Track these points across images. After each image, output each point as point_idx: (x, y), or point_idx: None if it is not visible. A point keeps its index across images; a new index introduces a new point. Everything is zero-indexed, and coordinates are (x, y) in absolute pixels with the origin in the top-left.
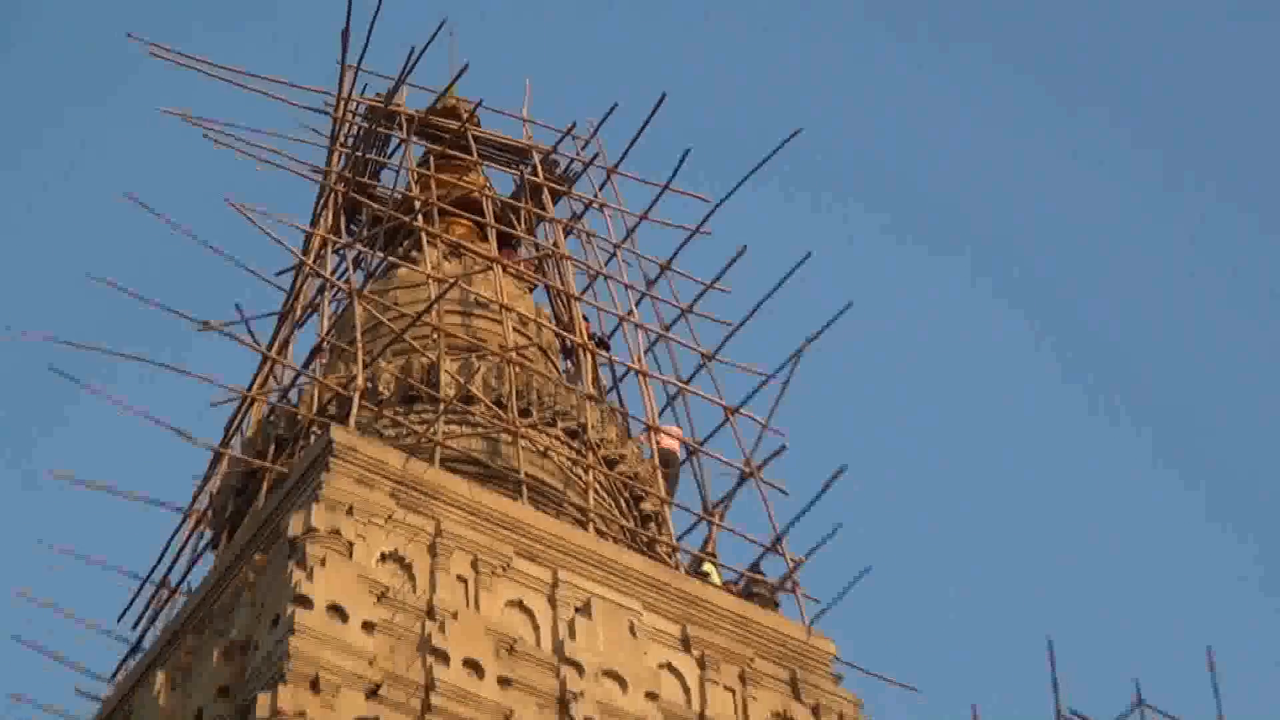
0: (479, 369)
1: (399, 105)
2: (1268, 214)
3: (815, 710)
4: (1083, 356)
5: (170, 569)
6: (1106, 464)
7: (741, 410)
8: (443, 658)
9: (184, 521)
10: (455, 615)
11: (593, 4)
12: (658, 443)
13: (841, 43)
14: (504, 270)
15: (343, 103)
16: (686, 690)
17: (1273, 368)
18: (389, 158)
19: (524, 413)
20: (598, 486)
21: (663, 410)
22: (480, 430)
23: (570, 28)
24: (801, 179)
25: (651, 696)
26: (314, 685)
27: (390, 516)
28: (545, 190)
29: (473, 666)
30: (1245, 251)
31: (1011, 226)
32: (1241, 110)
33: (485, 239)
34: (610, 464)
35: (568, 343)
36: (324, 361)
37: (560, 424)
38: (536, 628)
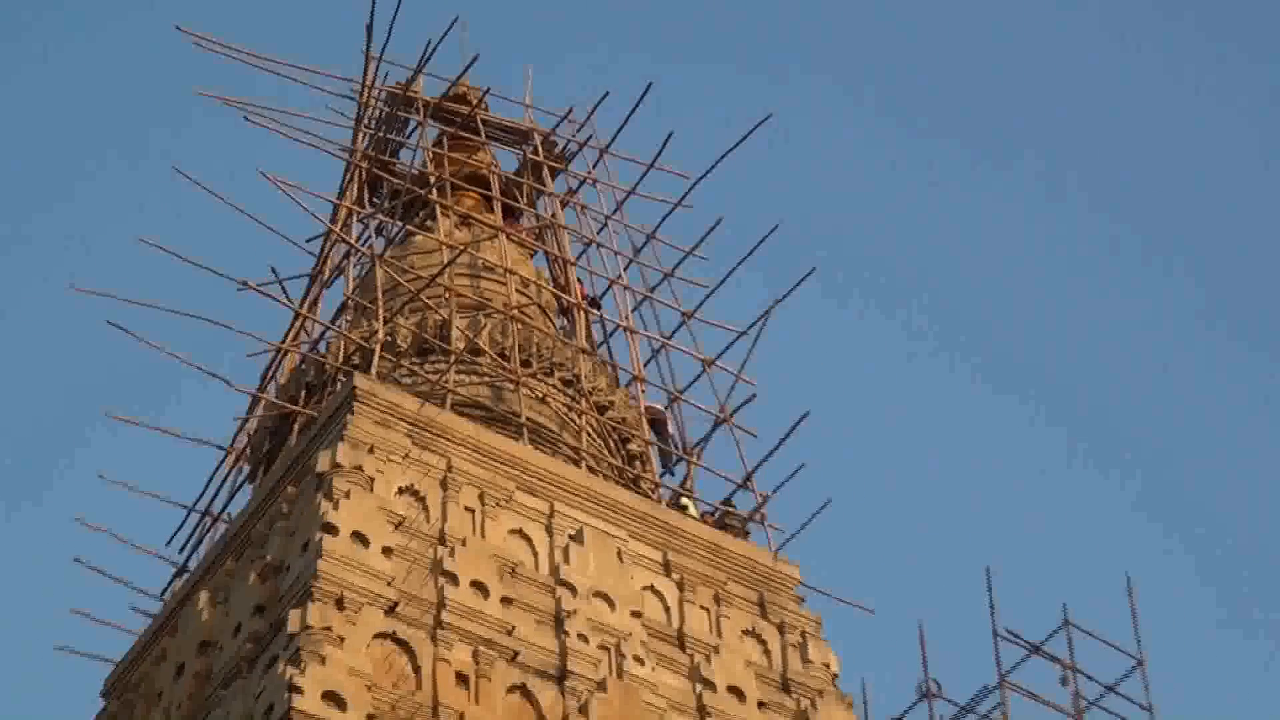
0: (485, 325)
1: (416, 92)
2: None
3: (780, 628)
4: (1025, 326)
5: (213, 500)
6: (1041, 419)
7: (717, 363)
8: (452, 579)
9: (225, 458)
10: (464, 542)
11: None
12: (644, 404)
13: (817, 36)
14: (508, 238)
15: (366, 89)
16: (667, 609)
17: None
18: (407, 138)
19: (525, 364)
20: (590, 429)
21: (647, 362)
22: (486, 379)
23: (569, 22)
24: (776, 158)
25: (636, 615)
26: (339, 603)
27: (406, 454)
28: (545, 168)
29: (479, 587)
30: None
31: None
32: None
33: (491, 210)
34: (601, 410)
35: (564, 302)
36: (349, 318)
37: (557, 374)
38: (535, 553)
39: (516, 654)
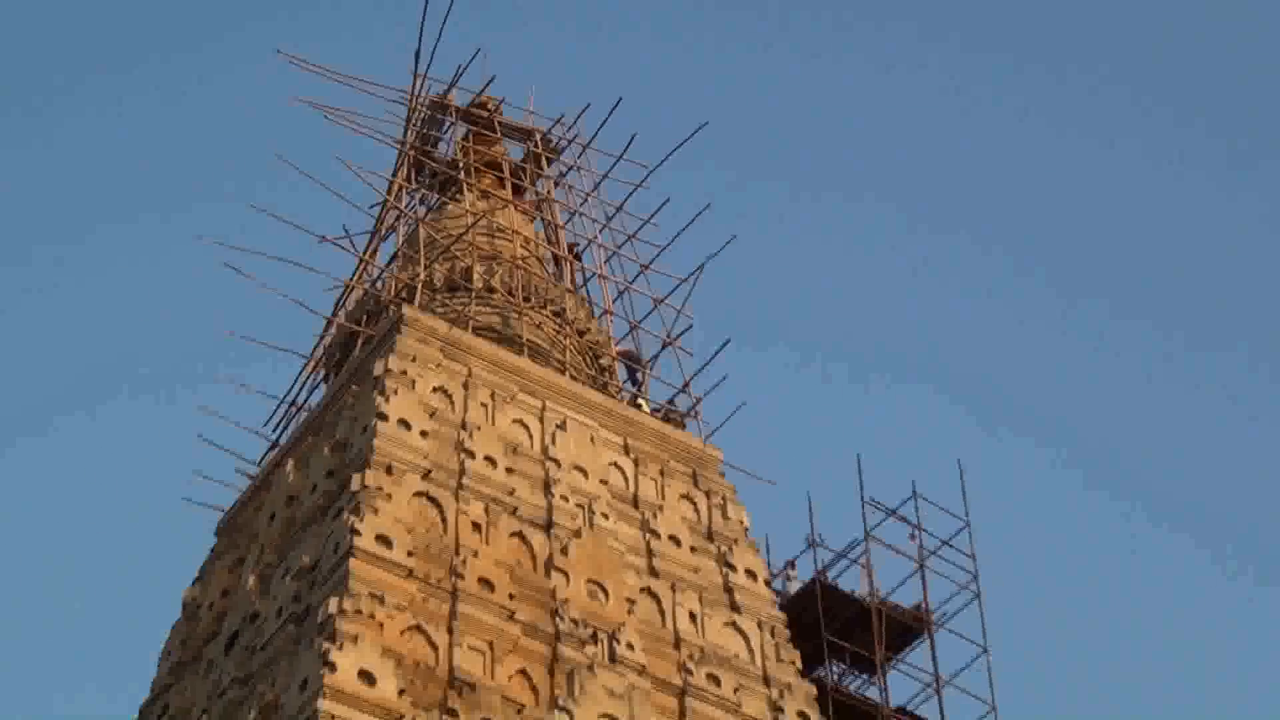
0: (498, 271)
1: (450, 101)
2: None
3: (708, 494)
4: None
5: (298, 394)
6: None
7: (665, 301)
8: (470, 454)
9: (307, 364)
10: (479, 427)
11: (579, 32)
12: (618, 345)
13: (748, 66)
14: (515, 208)
15: (414, 98)
16: (626, 479)
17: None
18: (443, 134)
19: (526, 299)
20: (572, 348)
21: (615, 300)
22: (498, 310)
23: (563, 49)
24: (711, 154)
25: (603, 482)
26: (388, 470)
27: (439, 364)
28: (542, 157)
29: (489, 460)
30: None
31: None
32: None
33: (504, 187)
34: (580, 334)
35: (555, 255)
36: (399, 264)
37: (549, 308)
38: (531, 436)
39: (516, 509)
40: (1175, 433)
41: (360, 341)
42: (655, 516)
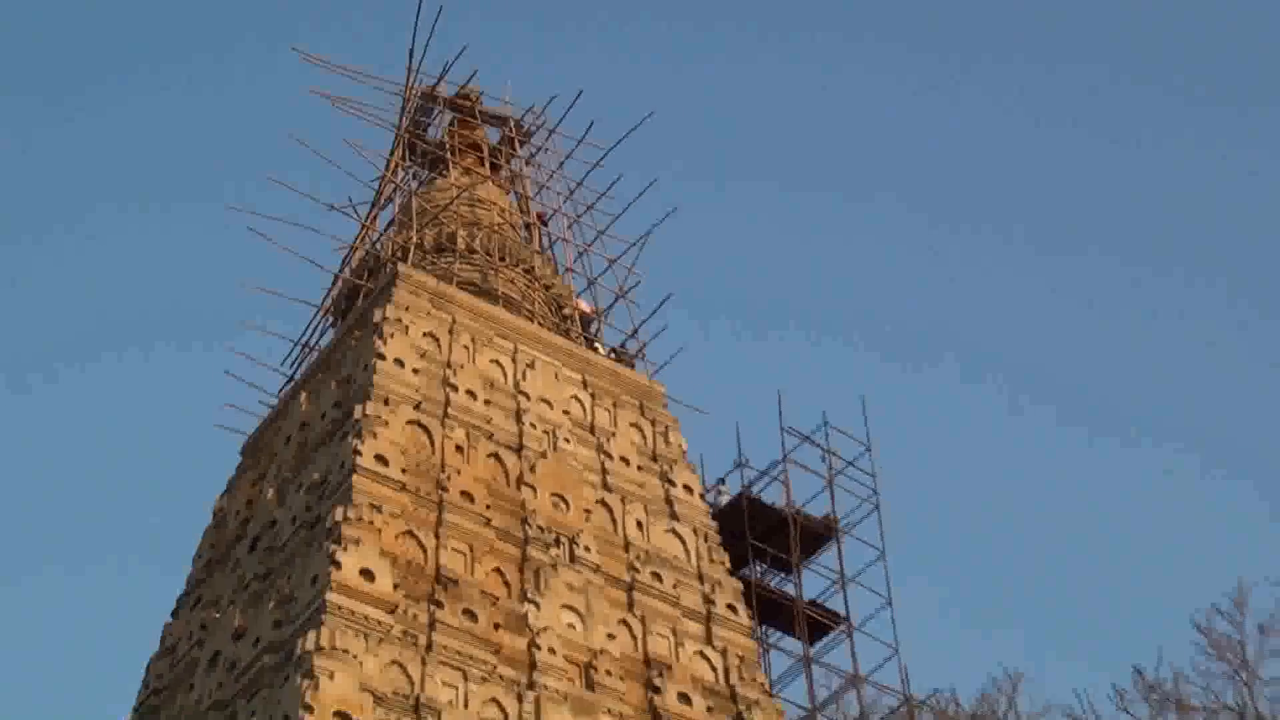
0: (478, 235)
1: (439, 92)
2: None
3: (653, 423)
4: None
5: (310, 336)
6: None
7: (618, 261)
8: (454, 388)
9: (318, 312)
10: (462, 366)
11: (549, 33)
12: (578, 302)
13: (704, 52)
14: (492, 183)
15: (408, 89)
16: (584, 409)
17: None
18: (432, 120)
19: (501, 259)
20: (540, 300)
21: (575, 260)
22: (478, 268)
23: (534, 49)
24: (657, 139)
25: (566, 413)
26: (385, 401)
27: (428, 313)
28: (516, 140)
29: (470, 393)
30: None
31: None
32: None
33: (483, 166)
34: (547, 289)
35: (526, 222)
36: (395, 229)
37: (521, 266)
38: (505, 374)
39: (492, 434)
40: (1054, 339)
41: (362, 294)
42: (608, 441)
